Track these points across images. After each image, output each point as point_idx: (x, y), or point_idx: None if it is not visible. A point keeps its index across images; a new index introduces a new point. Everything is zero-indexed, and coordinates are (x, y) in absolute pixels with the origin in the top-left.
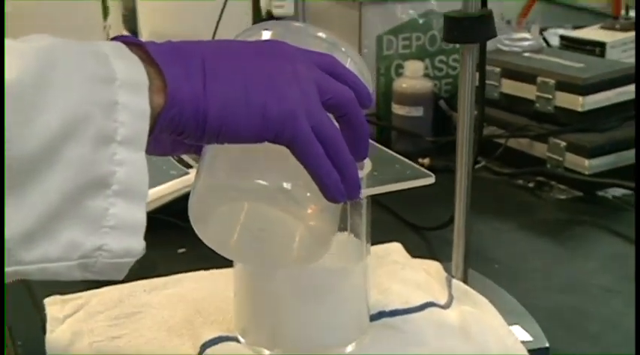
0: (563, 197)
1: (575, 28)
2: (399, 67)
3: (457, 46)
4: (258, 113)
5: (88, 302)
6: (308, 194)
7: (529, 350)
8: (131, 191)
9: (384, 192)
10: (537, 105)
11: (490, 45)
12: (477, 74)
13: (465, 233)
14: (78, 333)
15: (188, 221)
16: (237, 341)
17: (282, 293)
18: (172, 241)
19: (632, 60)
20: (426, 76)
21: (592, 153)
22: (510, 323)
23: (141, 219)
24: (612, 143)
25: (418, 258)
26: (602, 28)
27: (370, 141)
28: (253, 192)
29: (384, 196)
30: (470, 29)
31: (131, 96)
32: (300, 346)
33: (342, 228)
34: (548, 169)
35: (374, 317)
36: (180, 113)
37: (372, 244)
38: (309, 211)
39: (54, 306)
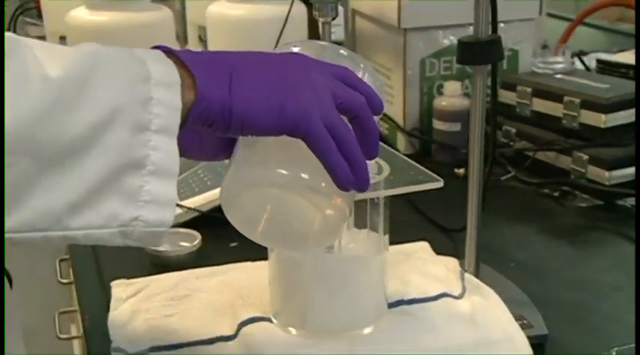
0: (584, 205)
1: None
2: (440, 87)
3: None
4: (277, 111)
5: (148, 286)
6: (323, 184)
7: (529, 337)
8: (163, 171)
9: (397, 194)
10: (564, 121)
11: (525, 68)
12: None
13: (477, 232)
14: (136, 311)
15: None
16: (271, 321)
17: (309, 281)
18: (225, 236)
19: None
20: (466, 95)
21: (612, 165)
22: (515, 313)
23: (172, 195)
24: (631, 157)
25: (441, 256)
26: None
27: (390, 149)
28: (275, 179)
29: (419, 201)
30: (480, 52)
31: (164, 92)
32: (325, 327)
33: (362, 225)
34: (572, 180)
35: (393, 305)
36: (209, 108)
37: (403, 242)
38: (324, 199)
39: (119, 288)
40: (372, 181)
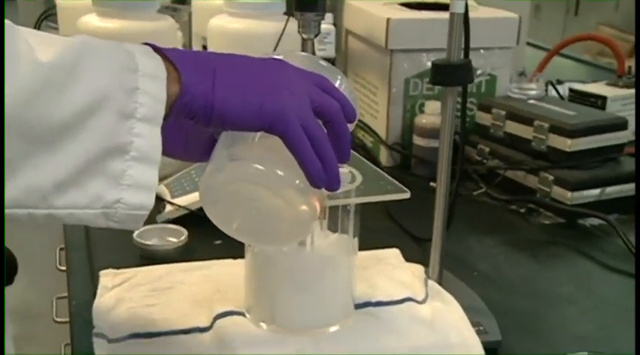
0: (547, 222)
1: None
2: (422, 105)
3: (473, 90)
4: (256, 109)
5: (134, 276)
6: (297, 181)
7: (483, 342)
8: (146, 158)
9: (367, 201)
10: (533, 143)
11: (502, 92)
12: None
13: (442, 242)
14: (120, 300)
15: None
16: (244, 315)
17: (280, 279)
18: (210, 234)
19: (630, 113)
20: None
21: (574, 187)
22: (473, 319)
23: (153, 180)
24: (593, 180)
25: (410, 262)
26: (608, 84)
27: (365, 160)
28: (251, 174)
29: (394, 210)
30: (451, 75)
31: (150, 83)
32: (293, 324)
33: (334, 229)
34: (538, 198)
35: (360, 306)
36: (192, 101)
37: (377, 248)
38: (297, 196)
39: (107, 277)
40: (344, 188)
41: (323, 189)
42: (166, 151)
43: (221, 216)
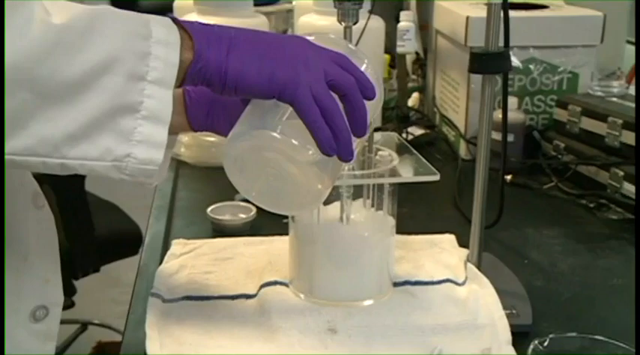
0: (615, 217)
1: None
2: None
3: (554, 87)
4: (267, 76)
5: (201, 247)
6: (311, 152)
7: (513, 325)
8: (156, 118)
9: (396, 182)
10: (607, 140)
11: (583, 90)
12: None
13: (480, 227)
14: (183, 266)
15: None
16: (287, 286)
17: (318, 255)
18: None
19: None
20: (525, 110)
21: None
22: (508, 303)
23: (162, 138)
24: None
25: (463, 248)
26: None
27: (407, 144)
28: (268, 141)
29: (462, 200)
30: (487, 63)
31: (163, 49)
32: (329, 296)
33: (374, 208)
34: (608, 193)
35: (399, 284)
36: (206, 67)
37: (434, 233)
38: (310, 167)
39: (177, 246)
40: (381, 169)
41: (341, 166)
42: (194, 127)
43: (242, 182)
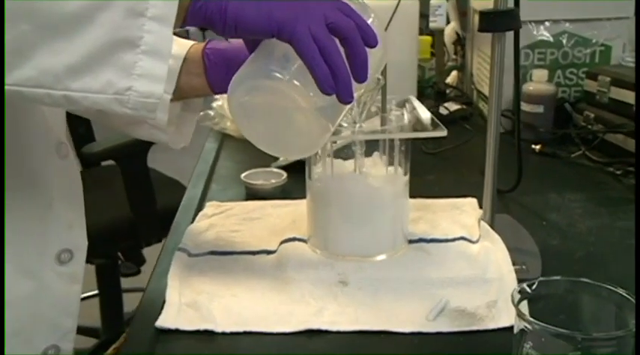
0: None
1: None
2: (532, 75)
3: (586, 60)
4: (266, 14)
5: (232, 208)
6: (311, 94)
7: (521, 279)
8: (156, 53)
9: (406, 137)
10: (634, 107)
11: (615, 62)
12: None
13: (492, 187)
14: (213, 225)
15: None
16: (305, 242)
17: (332, 209)
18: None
19: None
20: (557, 83)
21: None
22: (519, 260)
23: (162, 73)
24: None
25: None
26: None
27: (421, 105)
28: (271, 81)
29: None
30: (495, 21)
31: None
32: (343, 251)
33: (390, 163)
34: (635, 160)
35: (414, 241)
36: (206, 5)
37: (458, 197)
38: (312, 108)
39: (210, 208)
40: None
41: (342, 112)
42: (215, 89)
43: (248, 127)
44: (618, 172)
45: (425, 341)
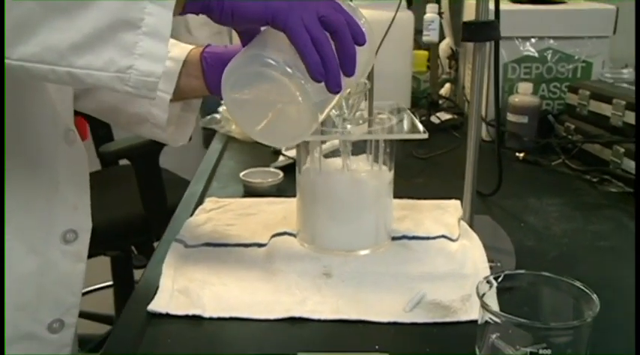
0: (614, 190)
1: None
2: (519, 87)
3: (569, 75)
4: (262, 5)
5: (229, 204)
6: (303, 81)
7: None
8: (156, 34)
9: (390, 138)
10: (611, 120)
11: (595, 77)
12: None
13: (472, 190)
14: (210, 219)
15: None
16: (294, 236)
17: (320, 203)
18: None
19: None
20: (542, 96)
21: None
22: (495, 257)
23: (162, 52)
24: None
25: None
26: None
27: (410, 112)
28: (264, 66)
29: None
30: (476, 32)
31: None
32: (329, 245)
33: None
34: (610, 169)
35: (397, 238)
36: None
37: (443, 199)
38: (302, 96)
39: (209, 203)
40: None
41: (330, 102)
42: (212, 90)
43: (242, 117)
44: (594, 180)
45: (401, 331)
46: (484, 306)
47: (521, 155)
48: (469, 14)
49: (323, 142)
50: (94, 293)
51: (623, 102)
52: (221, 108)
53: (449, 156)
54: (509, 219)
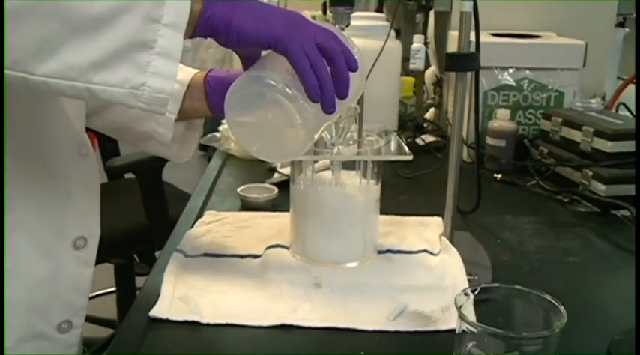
0: (583, 210)
1: None
2: (497, 113)
3: (543, 103)
4: (265, 29)
5: (227, 217)
6: (301, 101)
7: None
8: (168, 54)
9: (376, 159)
10: (581, 145)
11: (567, 105)
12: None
13: (452, 207)
14: (209, 231)
15: None
16: (287, 248)
17: (310, 216)
18: None
19: None
20: (518, 122)
21: (607, 181)
22: (473, 271)
23: (173, 72)
24: (626, 176)
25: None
26: None
27: (392, 131)
28: (265, 87)
29: (460, 193)
30: (458, 62)
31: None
32: (319, 257)
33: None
34: (579, 190)
35: (383, 252)
36: (213, 17)
37: (424, 216)
38: (300, 113)
39: (208, 216)
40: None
41: (324, 121)
42: (214, 111)
43: (243, 135)
44: (565, 200)
45: (385, 338)
46: (461, 317)
47: (499, 176)
48: (453, 45)
49: (315, 162)
50: (98, 298)
51: (592, 130)
52: (221, 127)
53: (432, 175)
54: (487, 235)
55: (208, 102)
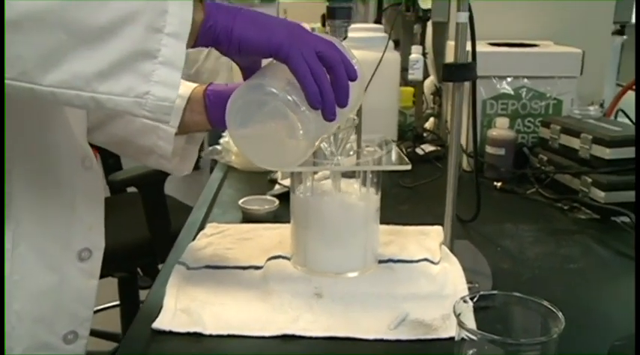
0: (583, 217)
1: None
2: (496, 122)
3: (542, 111)
4: (266, 37)
5: (228, 229)
6: (302, 108)
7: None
8: (171, 63)
9: (376, 169)
10: (580, 153)
11: (565, 113)
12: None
13: (452, 216)
14: (211, 243)
15: None
16: (288, 259)
17: (311, 226)
18: None
19: None
20: (517, 130)
21: (607, 188)
22: (473, 279)
23: (176, 80)
24: (625, 183)
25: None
26: None
27: (391, 141)
28: (266, 95)
29: (459, 201)
30: (455, 73)
31: (178, 8)
32: (320, 268)
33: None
34: (579, 197)
35: (384, 261)
36: (215, 26)
37: (426, 224)
38: (301, 120)
39: (210, 228)
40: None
41: (324, 130)
42: (214, 124)
43: (245, 145)
44: (565, 207)
45: (386, 347)
46: (460, 324)
47: (499, 184)
48: (451, 55)
49: (315, 173)
50: (102, 312)
51: (590, 137)
52: (222, 140)
53: (432, 185)
54: (487, 243)
55: (208, 115)
